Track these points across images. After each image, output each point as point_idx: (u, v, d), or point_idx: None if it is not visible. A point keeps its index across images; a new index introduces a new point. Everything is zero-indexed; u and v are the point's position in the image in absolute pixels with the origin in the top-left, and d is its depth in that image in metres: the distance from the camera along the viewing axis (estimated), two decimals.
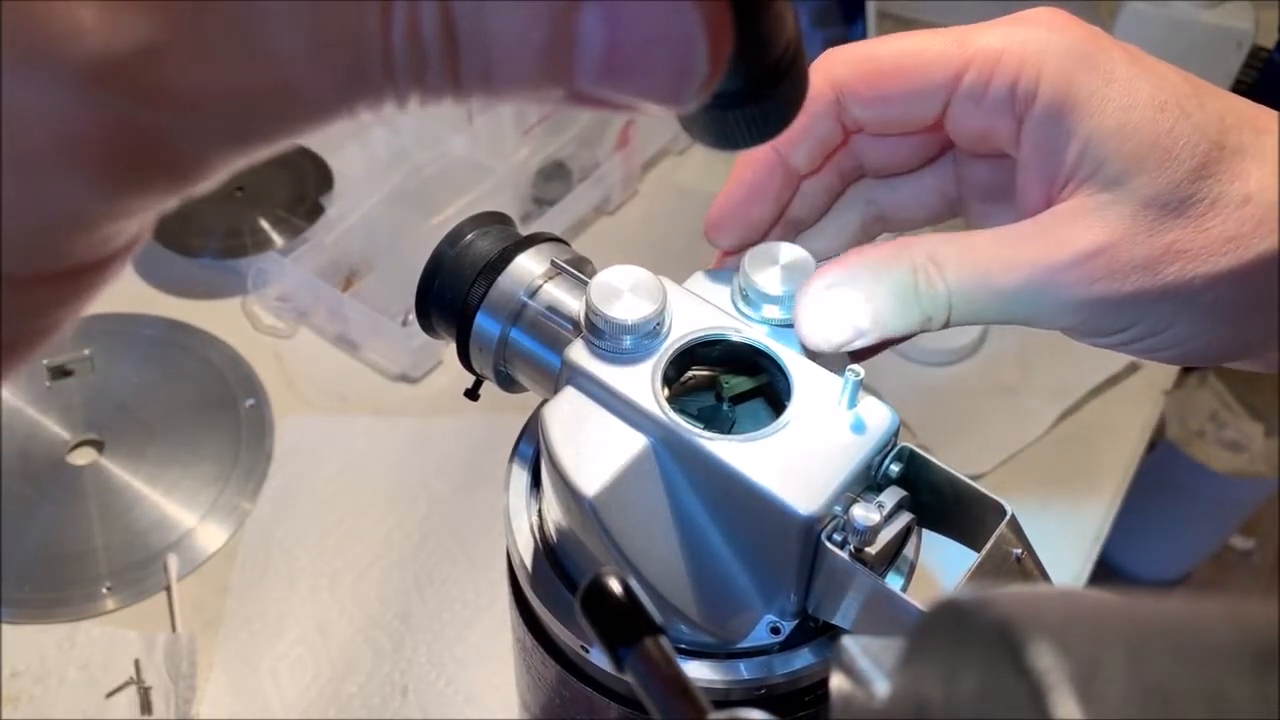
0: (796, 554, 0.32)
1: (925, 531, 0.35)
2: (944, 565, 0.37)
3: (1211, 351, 0.34)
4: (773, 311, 0.36)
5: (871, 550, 0.31)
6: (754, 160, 0.37)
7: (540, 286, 0.37)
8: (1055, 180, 0.33)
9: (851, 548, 0.31)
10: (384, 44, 0.18)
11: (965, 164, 0.38)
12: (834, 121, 0.36)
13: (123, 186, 0.19)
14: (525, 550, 0.38)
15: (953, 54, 0.34)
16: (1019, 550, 0.32)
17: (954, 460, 0.34)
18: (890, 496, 0.33)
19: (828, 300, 0.34)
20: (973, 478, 0.33)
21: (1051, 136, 0.33)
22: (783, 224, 0.39)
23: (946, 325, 0.34)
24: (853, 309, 0.34)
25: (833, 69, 0.35)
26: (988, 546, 0.32)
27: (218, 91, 0.18)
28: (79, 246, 0.19)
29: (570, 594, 0.36)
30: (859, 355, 0.38)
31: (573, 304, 0.37)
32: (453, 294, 0.38)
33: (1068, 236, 0.32)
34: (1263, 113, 0.33)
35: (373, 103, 0.19)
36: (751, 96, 0.25)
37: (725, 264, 0.40)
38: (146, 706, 0.64)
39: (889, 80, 0.35)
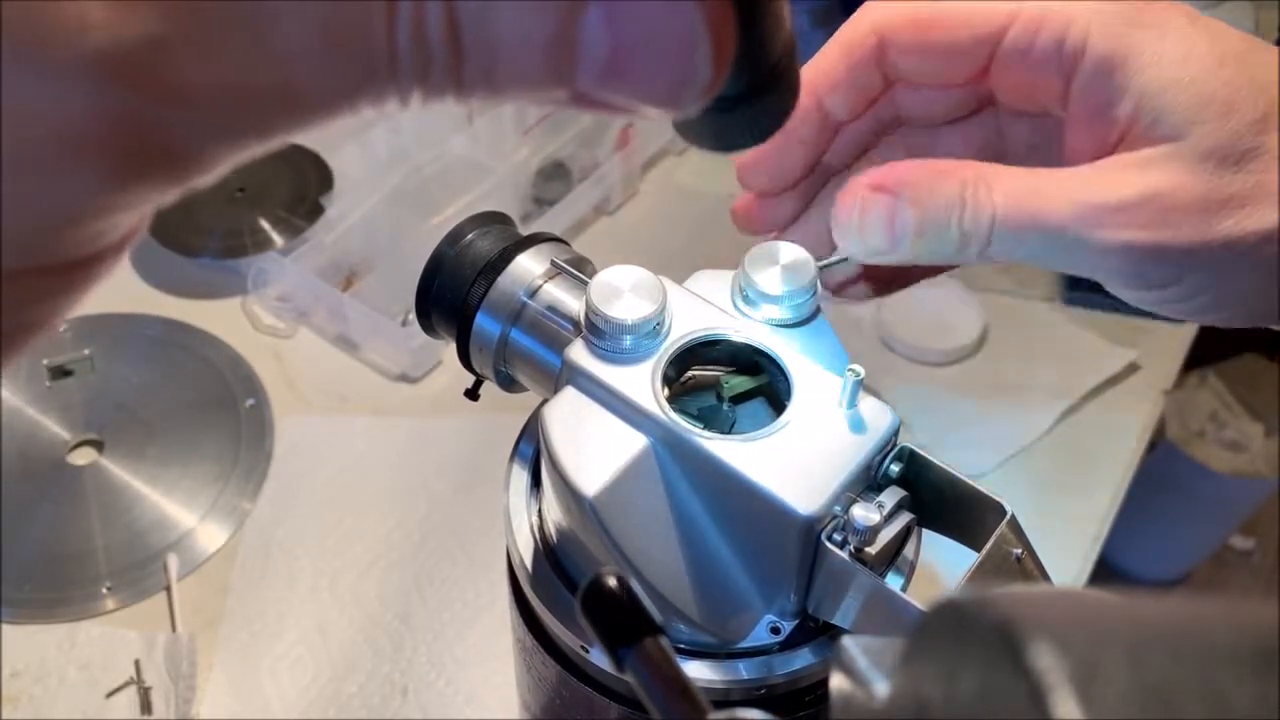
0: (796, 554, 0.32)
1: (925, 531, 0.35)
2: (944, 565, 0.37)
3: (1257, 312, 0.33)
4: (773, 311, 0.36)
5: (871, 550, 0.31)
6: None
7: (540, 286, 0.37)
8: (1107, 138, 0.33)
9: (851, 548, 0.31)
10: (389, 43, 0.18)
11: (1008, 121, 0.38)
12: (875, 70, 0.35)
13: (125, 180, 0.19)
14: (525, 550, 0.38)
15: (999, 7, 0.33)
16: (1019, 550, 0.32)
17: (954, 460, 0.34)
18: (890, 496, 0.33)
19: (871, 201, 0.33)
20: (973, 478, 0.33)
21: (1103, 92, 0.32)
22: (818, 172, 0.39)
23: (981, 256, 0.33)
24: (895, 214, 0.32)
25: (878, 16, 0.35)
26: (988, 546, 0.32)
27: (222, 87, 0.18)
28: (78, 239, 0.19)
29: (570, 594, 0.36)
30: (880, 279, 0.38)
31: (573, 304, 0.37)
32: (453, 294, 0.38)
33: (1123, 179, 0.31)
34: None
35: (376, 100, 0.19)
36: (747, 99, 0.25)
37: (753, 206, 0.39)
38: (146, 706, 0.64)
39: (933, 31, 0.34)
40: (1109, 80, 0.32)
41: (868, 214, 0.33)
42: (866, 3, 0.35)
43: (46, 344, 0.81)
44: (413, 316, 0.43)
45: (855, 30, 0.35)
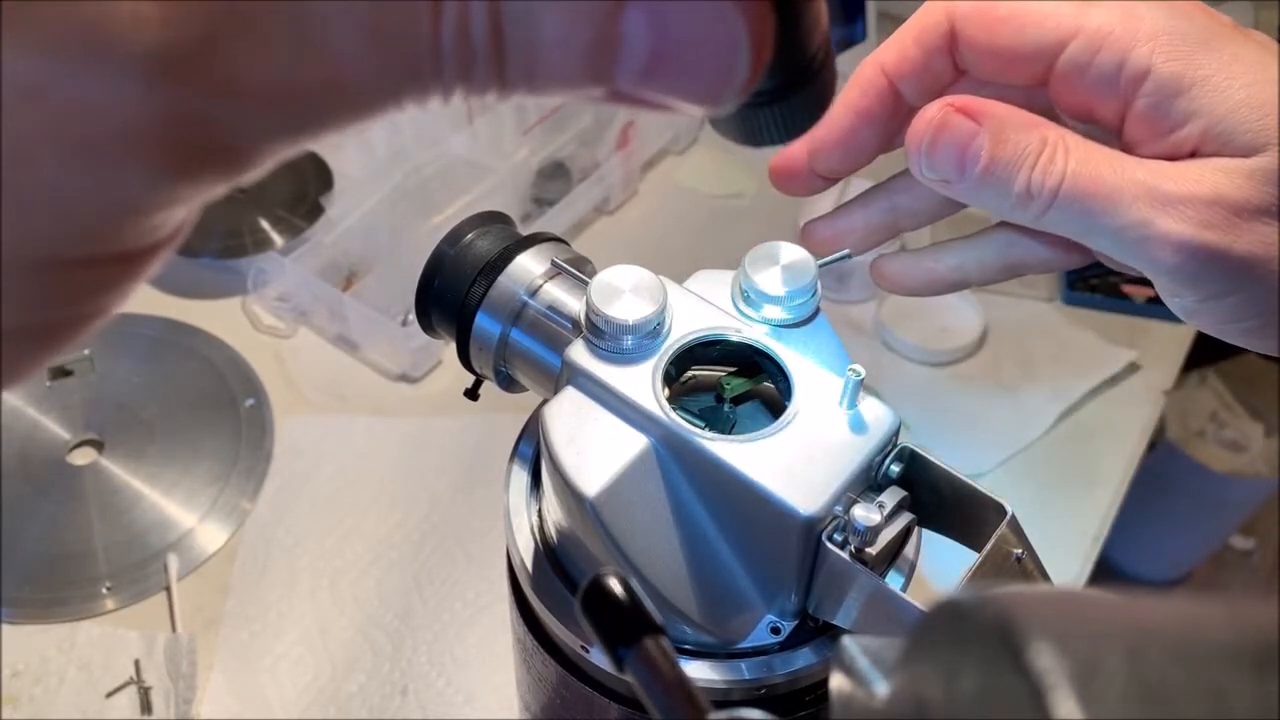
0: (797, 554, 0.32)
1: (925, 531, 0.35)
2: (944, 565, 0.37)
3: None
4: (773, 311, 0.36)
5: (872, 550, 0.31)
6: (866, 84, 0.36)
7: (540, 286, 0.37)
8: (1174, 158, 0.32)
9: (852, 548, 0.31)
10: (434, 42, 0.19)
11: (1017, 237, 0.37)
12: (947, 57, 0.35)
13: (178, 174, 0.19)
14: (525, 550, 0.38)
15: (1066, 19, 0.32)
16: (1019, 550, 0.33)
17: (954, 460, 0.34)
18: (891, 497, 0.33)
19: (951, 123, 0.32)
20: (973, 478, 0.33)
21: (1169, 115, 0.32)
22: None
23: (1037, 221, 0.32)
24: (970, 143, 0.32)
25: (951, 3, 0.34)
26: (988, 547, 0.32)
27: (274, 85, 0.19)
28: (131, 232, 0.20)
29: (570, 594, 0.36)
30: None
31: (573, 304, 0.37)
32: (453, 294, 0.38)
33: (1192, 176, 0.31)
34: None
35: (419, 97, 0.20)
36: (783, 95, 0.25)
37: (810, 232, 0.38)
38: (146, 706, 0.64)
39: (1001, 26, 0.33)
40: (1175, 103, 0.31)
41: (943, 135, 0.32)
42: None
43: None
44: (413, 317, 0.43)
45: (929, 15, 0.35)
